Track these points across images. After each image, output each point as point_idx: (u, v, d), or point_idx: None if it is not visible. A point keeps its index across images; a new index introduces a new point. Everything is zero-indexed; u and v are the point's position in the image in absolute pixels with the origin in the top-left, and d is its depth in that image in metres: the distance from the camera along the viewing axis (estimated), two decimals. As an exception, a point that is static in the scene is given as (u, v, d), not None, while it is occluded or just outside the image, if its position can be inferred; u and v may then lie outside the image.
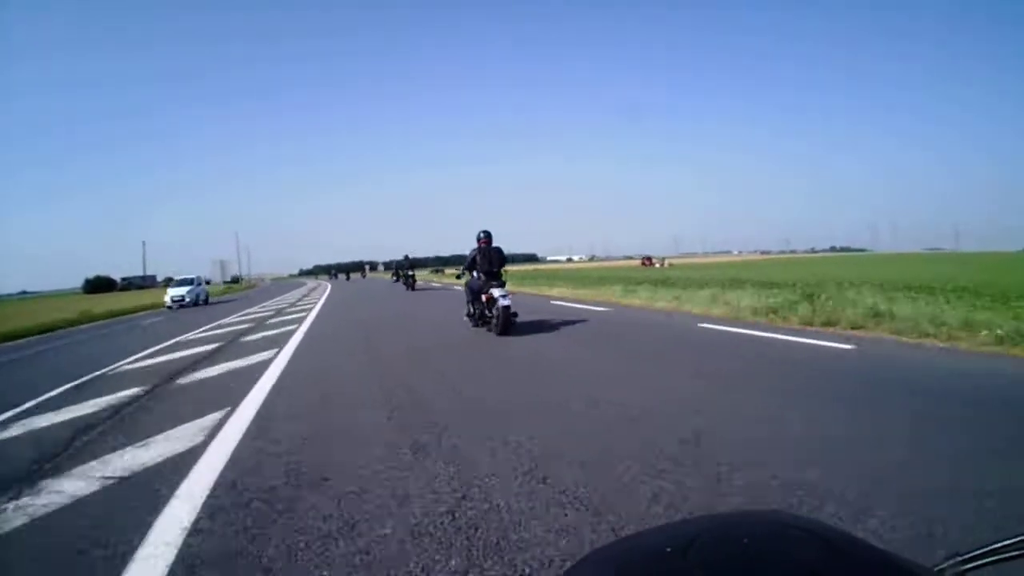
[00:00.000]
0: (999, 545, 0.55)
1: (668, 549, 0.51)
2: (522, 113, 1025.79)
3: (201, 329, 12.55)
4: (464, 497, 2.51)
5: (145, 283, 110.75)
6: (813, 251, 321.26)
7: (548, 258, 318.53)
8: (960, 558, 0.56)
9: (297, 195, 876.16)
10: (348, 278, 55.33)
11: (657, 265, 67.14)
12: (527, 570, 1.89)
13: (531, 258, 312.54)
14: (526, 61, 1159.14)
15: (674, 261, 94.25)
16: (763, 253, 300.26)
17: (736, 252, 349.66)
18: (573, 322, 9.05)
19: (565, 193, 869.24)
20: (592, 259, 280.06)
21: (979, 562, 0.55)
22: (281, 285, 48.06)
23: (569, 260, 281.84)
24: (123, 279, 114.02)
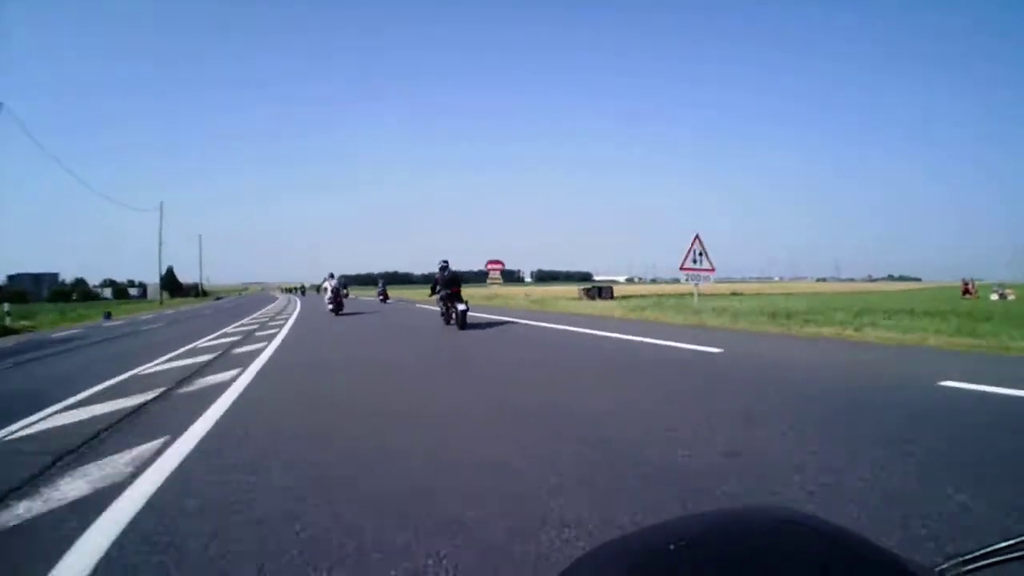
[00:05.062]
0: (1001, 546, 0.55)
1: (671, 546, 0.50)
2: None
3: None
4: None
5: (41, 284, 78.66)
6: (871, 279, 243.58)
7: (598, 277, 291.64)
8: (961, 559, 0.56)
9: (306, 200, 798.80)
10: (317, 292, 55.12)
11: (994, 296, 31.18)
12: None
13: (586, 277, 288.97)
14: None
15: (809, 288, 69.35)
16: (818, 280, 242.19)
17: (777, 278, 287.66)
18: None
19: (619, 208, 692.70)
20: (653, 281, 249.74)
21: (980, 563, 0.55)
22: (223, 309, 32.97)
23: (629, 281, 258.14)
24: (9, 277, 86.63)
